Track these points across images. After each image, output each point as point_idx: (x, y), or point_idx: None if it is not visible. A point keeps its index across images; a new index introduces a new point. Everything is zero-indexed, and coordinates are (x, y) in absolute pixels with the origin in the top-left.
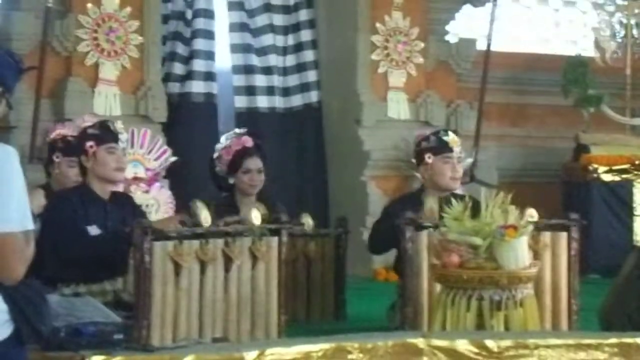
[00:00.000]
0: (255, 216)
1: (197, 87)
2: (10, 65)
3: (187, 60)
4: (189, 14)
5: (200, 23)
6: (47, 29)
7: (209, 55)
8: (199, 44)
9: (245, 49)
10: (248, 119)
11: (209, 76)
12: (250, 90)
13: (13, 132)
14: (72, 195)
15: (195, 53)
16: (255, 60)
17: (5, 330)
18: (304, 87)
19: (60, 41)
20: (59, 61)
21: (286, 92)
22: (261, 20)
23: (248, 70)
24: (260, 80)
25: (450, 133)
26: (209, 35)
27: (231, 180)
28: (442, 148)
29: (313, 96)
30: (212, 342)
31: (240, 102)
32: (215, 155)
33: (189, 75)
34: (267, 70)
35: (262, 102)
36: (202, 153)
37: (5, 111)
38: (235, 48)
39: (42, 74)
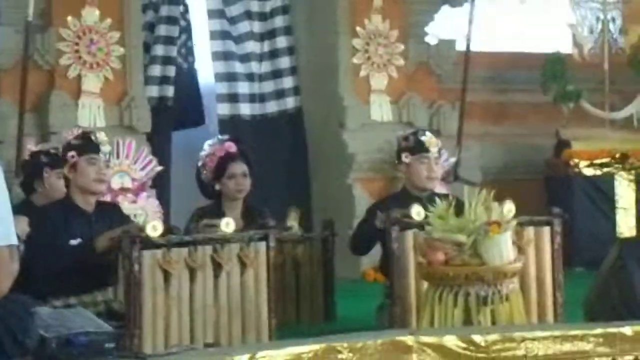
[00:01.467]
0: (227, 223)
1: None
2: None
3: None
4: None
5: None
6: (28, 43)
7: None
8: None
9: (227, 56)
10: (232, 126)
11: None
12: (233, 98)
13: None
14: (52, 210)
15: (153, 59)
16: (238, 67)
17: None
18: (279, 94)
19: (41, 55)
20: (42, 75)
21: (262, 98)
22: (242, 27)
23: (231, 77)
24: (242, 87)
25: (427, 133)
26: (170, 41)
27: (217, 187)
28: (419, 148)
29: (289, 102)
30: (204, 347)
31: (223, 109)
32: (200, 162)
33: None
34: (250, 77)
35: (245, 109)
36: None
37: None
38: (216, 56)
39: (25, 88)
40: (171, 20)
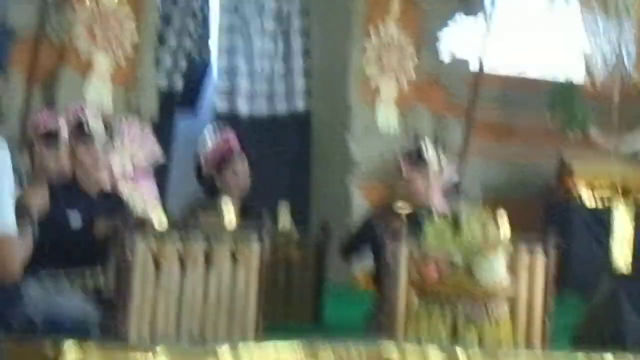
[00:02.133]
0: (229, 211)
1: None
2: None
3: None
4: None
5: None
6: (44, 18)
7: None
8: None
9: (232, 51)
10: (228, 122)
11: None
12: (233, 94)
13: (2, 121)
14: (58, 190)
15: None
16: (241, 64)
17: None
18: (290, 94)
19: (55, 31)
20: (53, 51)
21: (271, 97)
22: (253, 25)
23: (233, 73)
24: (244, 84)
25: (428, 147)
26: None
27: (217, 182)
28: (420, 161)
29: (299, 103)
30: (188, 340)
31: (222, 104)
32: (201, 156)
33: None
34: (253, 75)
35: (243, 107)
36: None
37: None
38: (222, 51)
39: (35, 62)
40: (187, 13)
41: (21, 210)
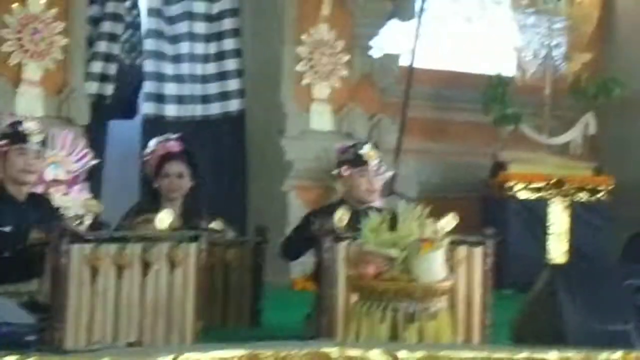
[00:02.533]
0: (161, 219)
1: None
2: None
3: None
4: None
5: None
6: None
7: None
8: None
9: (159, 55)
10: (154, 126)
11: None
12: (159, 98)
13: None
14: None
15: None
16: (167, 68)
17: None
18: (224, 96)
19: None
20: None
21: (205, 100)
22: (179, 28)
23: (159, 77)
24: (170, 88)
25: (366, 146)
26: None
27: (155, 185)
28: (359, 161)
29: (233, 105)
30: (126, 346)
31: (148, 108)
32: (144, 159)
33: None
34: (179, 78)
35: (171, 110)
36: None
37: None
38: (148, 54)
39: None
40: (116, 17)
41: None
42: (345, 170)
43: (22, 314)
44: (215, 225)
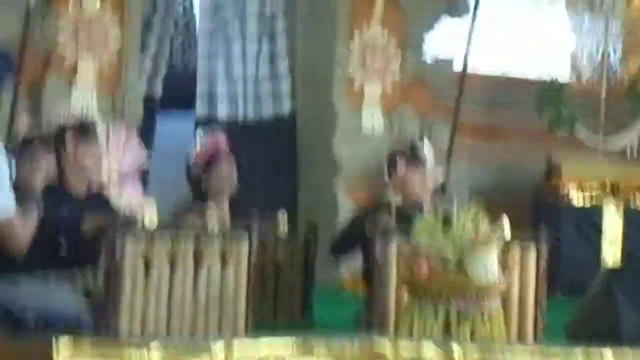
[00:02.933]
0: (210, 216)
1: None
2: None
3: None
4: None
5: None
6: (28, 27)
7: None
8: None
9: (212, 56)
10: (207, 125)
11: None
12: (212, 98)
13: None
14: (46, 192)
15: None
16: (220, 68)
17: None
18: (276, 96)
19: (40, 40)
20: (38, 60)
21: (257, 100)
22: (233, 28)
23: (212, 77)
24: (222, 88)
25: (422, 144)
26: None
27: (203, 183)
28: (414, 158)
29: (285, 105)
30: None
31: (201, 108)
32: (190, 158)
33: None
34: (232, 79)
35: (222, 110)
36: None
37: None
38: (202, 55)
39: (21, 72)
40: (167, 17)
41: (22, 194)
42: (400, 169)
43: (76, 299)
44: (270, 222)
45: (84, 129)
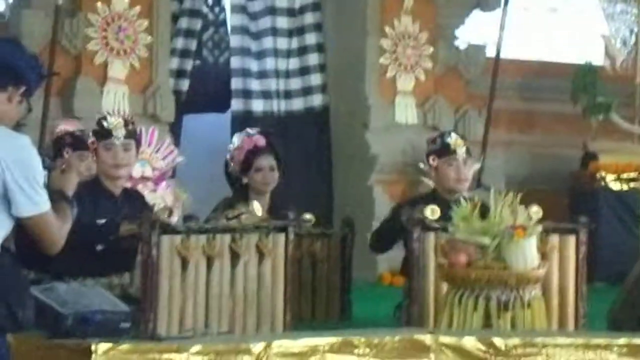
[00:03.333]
0: (257, 208)
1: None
2: (35, 70)
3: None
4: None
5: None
6: (57, 28)
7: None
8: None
9: (245, 52)
10: (243, 122)
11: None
12: (246, 94)
13: (21, 130)
14: (82, 190)
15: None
16: (253, 64)
17: None
18: (307, 91)
19: (69, 39)
20: (68, 60)
21: (288, 95)
22: (262, 23)
23: (246, 73)
24: (256, 83)
25: (453, 135)
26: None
27: (244, 180)
28: (445, 150)
29: (316, 100)
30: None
31: (236, 104)
32: (228, 155)
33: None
34: (265, 74)
35: (258, 105)
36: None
37: (24, 113)
38: (234, 51)
39: (51, 72)
40: (194, 14)
41: (56, 193)
42: (433, 161)
43: (115, 302)
44: (306, 216)
45: (100, 127)
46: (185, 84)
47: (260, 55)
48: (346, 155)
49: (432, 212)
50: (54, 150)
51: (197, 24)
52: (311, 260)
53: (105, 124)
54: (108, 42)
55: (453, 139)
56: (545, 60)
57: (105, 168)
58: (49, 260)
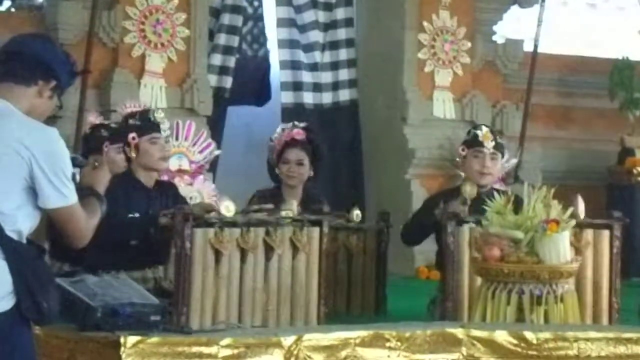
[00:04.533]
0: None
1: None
2: (66, 66)
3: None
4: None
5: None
6: (95, 20)
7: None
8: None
9: (293, 44)
10: (294, 114)
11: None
12: (296, 86)
13: (57, 122)
14: (115, 183)
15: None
16: (302, 56)
17: (7, 303)
18: (335, 85)
19: (107, 32)
20: (106, 52)
21: (319, 88)
22: (307, 16)
23: (295, 66)
24: (306, 76)
25: (484, 128)
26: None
27: (277, 171)
28: (474, 142)
29: (344, 94)
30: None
31: (287, 97)
32: (270, 144)
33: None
34: (313, 67)
35: (308, 98)
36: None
37: (55, 109)
38: (282, 44)
39: (88, 64)
40: (235, 9)
41: (87, 189)
42: (462, 151)
43: (146, 295)
44: (342, 210)
45: (144, 122)
46: (228, 81)
47: (306, 48)
48: (380, 150)
49: (469, 192)
50: (87, 145)
51: (239, 20)
52: (347, 254)
53: (151, 118)
54: (146, 35)
55: (483, 132)
56: (583, 56)
57: (151, 162)
58: (84, 253)
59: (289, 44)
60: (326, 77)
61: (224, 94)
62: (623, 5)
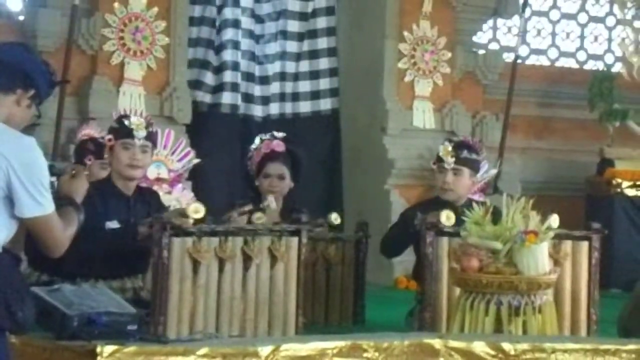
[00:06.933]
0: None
1: (225, 98)
2: (45, 76)
3: (217, 70)
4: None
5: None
6: (74, 27)
7: (235, 66)
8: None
9: (250, 55)
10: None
11: (235, 87)
12: (264, 98)
13: (36, 129)
14: (92, 190)
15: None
16: (257, 69)
17: None
18: (315, 95)
19: (86, 39)
20: (84, 59)
21: (295, 98)
22: (269, 27)
23: (250, 77)
24: (272, 87)
25: (447, 143)
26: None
27: (257, 183)
28: (437, 157)
29: (325, 104)
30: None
31: (244, 108)
32: (248, 155)
33: (219, 86)
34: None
35: (258, 110)
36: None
37: (34, 118)
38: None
39: (67, 72)
40: (237, 24)
41: (64, 198)
42: (433, 164)
43: (123, 304)
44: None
45: (120, 125)
46: (207, 87)
47: (264, 59)
48: (360, 159)
49: (447, 218)
50: (76, 156)
51: (215, 26)
52: (325, 264)
53: (126, 122)
54: (125, 43)
55: (442, 147)
56: (563, 67)
57: (120, 167)
58: (62, 263)
59: (248, 54)
60: (304, 86)
61: (202, 100)
62: (601, 16)
